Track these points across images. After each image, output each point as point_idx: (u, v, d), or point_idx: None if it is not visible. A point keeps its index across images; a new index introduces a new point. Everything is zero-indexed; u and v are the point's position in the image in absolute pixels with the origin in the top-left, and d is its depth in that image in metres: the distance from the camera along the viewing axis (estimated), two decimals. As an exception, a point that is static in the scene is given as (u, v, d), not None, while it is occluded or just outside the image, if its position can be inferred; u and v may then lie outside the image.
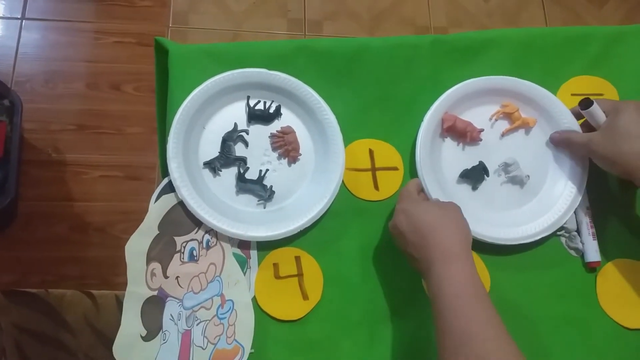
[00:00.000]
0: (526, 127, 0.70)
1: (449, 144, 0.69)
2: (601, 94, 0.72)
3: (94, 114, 1.41)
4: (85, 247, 1.30)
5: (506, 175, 0.68)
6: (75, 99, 1.42)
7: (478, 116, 0.70)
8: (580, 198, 0.66)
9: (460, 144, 0.69)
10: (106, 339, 0.58)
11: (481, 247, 0.64)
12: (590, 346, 0.63)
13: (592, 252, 0.66)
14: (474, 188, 0.68)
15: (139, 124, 1.41)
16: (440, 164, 0.68)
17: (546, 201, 0.67)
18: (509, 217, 0.67)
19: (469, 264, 0.52)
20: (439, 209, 0.57)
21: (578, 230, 0.67)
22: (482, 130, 0.69)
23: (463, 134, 0.68)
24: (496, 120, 0.70)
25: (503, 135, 0.70)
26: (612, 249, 0.67)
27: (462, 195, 0.67)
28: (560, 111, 0.69)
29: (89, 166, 1.37)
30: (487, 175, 0.68)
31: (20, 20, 1.47)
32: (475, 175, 0.67)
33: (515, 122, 0.70)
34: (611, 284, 0.66)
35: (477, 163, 0.68)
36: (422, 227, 0.54)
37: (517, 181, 0.68)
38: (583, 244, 0.66)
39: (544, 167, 0.69)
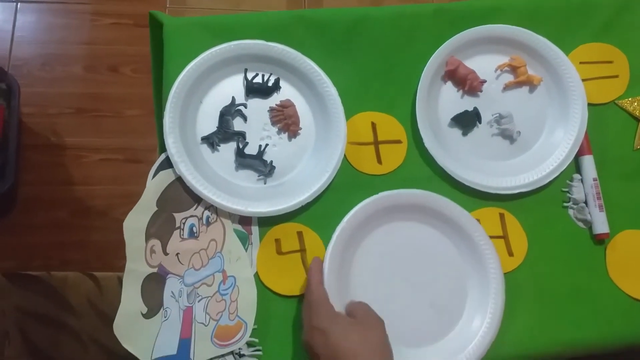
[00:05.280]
0: (530, 84, 0.69)
1: (450, 88, 0.69)
2: (610, 61, 0.70)
3: (93, 97, 1.40)
4: (87, 231, 1.30)
5: (497, 127, 0.67)
6: (73, 82, 1.40)
7: (484, 65, 0.69)
8: (565, 167, 0.66)
9: (461, 91, 0.69)
10: (109, 320, 0.57)
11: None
12: (600, 318, 0.62)
13: (600, 224, 0.65)
14: (464, 134, 0.67)
15: (138, 106, 1.40)
16: (437, 106, 0.68)
17: (530, 162, 0.67)
18: (495, 167, 0.66)
19: None
20: (361, 332, 0.51)
21: (586, 202, 0.66)
22: (485, 81, 0.68)
23: (463, 80, 0.67)
24: (502, 72, 0.69)
25: (505, 88, 0.69)
26: (621, 220, 0.66)
27: (451, 138, 0.67)
28: (569, 73, 0.68)
29: (89, 150, 1.36)
30: (480, 122, 0.67)
31: (15, 3, 1.44)
32: (466, 120, 0.67)
33: (520, 77, 0.68)
34: (620, 255, 0.64)
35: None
36: (341, 356, 0.48)
37: (507, 135, 0.68)
38: (591, 215, 0.65)
39: (539, 129, 0.68)
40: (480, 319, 0.60)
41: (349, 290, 0.60)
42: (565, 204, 0.66)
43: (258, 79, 0.66)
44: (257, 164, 0.64)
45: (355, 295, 0.59)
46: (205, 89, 0.65)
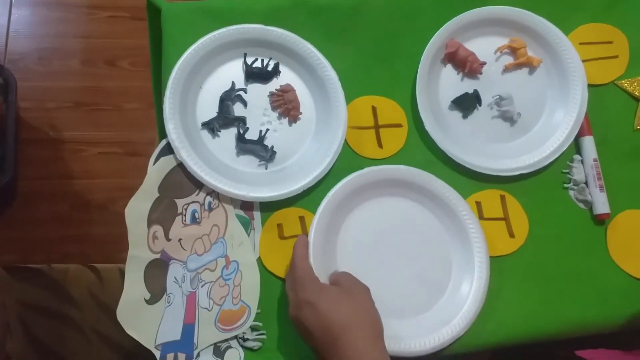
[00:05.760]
0: (530, 66, 0.69)
1: (450, 70, 0.69)
2: (610, 42, 0.70)
3: (91, 91, 1.39)
4: (88, 225, 1.30)
5: (498, 109, 0.67)
6: (70, 76, 1.40)
7: (484, 47, 0.69)
8: (565, 148, 0.66)
9: (461, 73, 0.69)
10: (111, 311, 0.57)
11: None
12: (602, 298, 0.62)
13: (601, 204, 0.65)
14: (464, 116, 0.67)
15: (137, 100, 1.39)
16: (437, 89, 0.68)
17: (531, 143, 0.67)
18: (496, 149, 0.67)
19: None
20: (349, 301, 0.51)
21: (586, 183, 0.66)
22: (484, 63, 0.68)
23: (463, 63, 0.67)
24: (501, 53, 0.69)
25: (505, 70, 0.69)
26: (622, 201, 0.66)
27: (452, 121, 0.67)
28: (568, 54, 0.67)
29: (88, 143, 1.35)
30: (480, 104, 0.67)
31: (10, -3, 1.44)
32: (466, 103, 0.67)
33: (519, 59, 0.68)
34: (621, 235, 0.65)
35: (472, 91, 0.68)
36: (333, 327, 0.48)
37: (507, 117, 0.67)
38: (591, 196, 0.65)
39: (539, 110, 0.68)
40: (464, 295, 0.60)
41: (335, 263, 0.60)
42: (565, 185, 0.66)
43: (257, 64, 0.65)
44: (258, 150, 0.64)
45: (341, 268, 0.59)
46: (205, 74, 0.64)
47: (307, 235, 0.59)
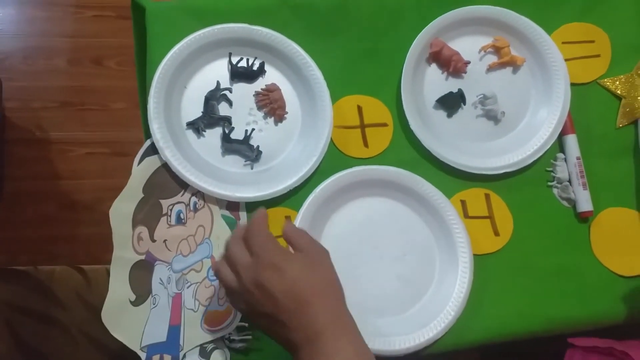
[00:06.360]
0: (514, 64, 0.70)
1: (434, 69, 0.69)
2: (592, 41, 0.71)
3: (77, 90, 1.38)
4: (75, 225, 1.29)
5: (482, 108, 0.68)
6: (56, 76, 1.38)
7: (468, 46, 0.69)
8: (548, 147, 0.66)
9: (445, 73, 0.69)
10: (99, 313, 0.57)
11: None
12: (585, 295, 0.63)
13: (584, 202, 0.65)
14: (449, 115, 0.68)
15: (124, 99, 1.38)
16: (422, 88, 0.68)
17: (515, 142, 0.67)
18: (480, 148, 0.67)
19: (357, 335, 0.47)
20: (317, 268, 0.49)
21: (570, 181, 0.66)
22: (469, 62, 0.69)
23: (448, 62, 0.67)
24: (485, 53, 0.70)
25: (489, 69, 0.69)
26: (604, 198, 0.67)
27: (437, 120, 0.67)
28: (551, 53, 0.68)
29: (75, 143, 1.34)
30: (464, 103, 0.68)
31: (-6, -4, 1.42)
32: (451, 102, 0.67)
33: (503, 58, 0.69)
34: (604, 232, 0.65)
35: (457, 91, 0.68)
36: (302, 293, 0.46)
37: (492, 116, 0.68)
38: (575, 194, 0.66)
39: (523, 109, 0.69)
40: (447, 294, 0.60)
41: None
42: (549, 183, 0.67)
43: (243, 63, 0.65)
44: (244, 149, 0.63)
45: None
46: (190, 74, 0.64)
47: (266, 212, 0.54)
